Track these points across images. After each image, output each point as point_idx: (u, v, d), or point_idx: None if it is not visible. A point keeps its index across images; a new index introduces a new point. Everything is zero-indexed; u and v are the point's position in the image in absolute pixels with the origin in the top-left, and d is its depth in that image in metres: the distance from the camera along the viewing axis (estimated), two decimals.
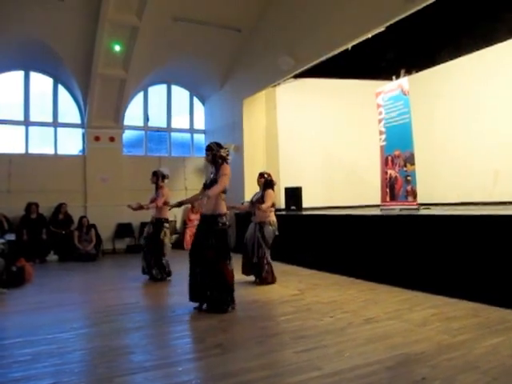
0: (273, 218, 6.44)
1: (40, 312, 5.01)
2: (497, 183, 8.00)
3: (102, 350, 3.60)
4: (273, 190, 6.49)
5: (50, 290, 6.45)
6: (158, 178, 7.03)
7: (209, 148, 5.00)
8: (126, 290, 6.42)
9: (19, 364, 3.24)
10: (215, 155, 4.92)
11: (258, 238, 6.29)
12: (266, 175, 6.56)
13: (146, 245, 7.05)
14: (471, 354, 3.24)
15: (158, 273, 6.83)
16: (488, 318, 4.18)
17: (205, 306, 4.87)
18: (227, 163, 4.95)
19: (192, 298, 4.88)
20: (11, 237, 7.32)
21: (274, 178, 6.63)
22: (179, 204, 5.57)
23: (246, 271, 6.45)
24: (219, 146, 5.00)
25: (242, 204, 6.76)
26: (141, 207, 6.98)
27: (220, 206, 4.86)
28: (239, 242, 8.03)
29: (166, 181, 7.12)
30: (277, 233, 6.41)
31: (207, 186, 4.91)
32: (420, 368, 3.00)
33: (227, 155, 4.97)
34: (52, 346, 3.66)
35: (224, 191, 4.87)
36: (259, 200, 6.37)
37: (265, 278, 6.30)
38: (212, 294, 4.74)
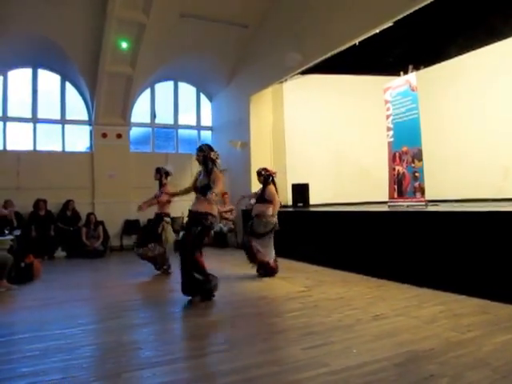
0: (271, 213, 6.61)
1: (48, 308, 5.05)
2: (506, 179, 7.93)
3: (110, 346, 3.63)
4: (274, 183, 6.67)
5: (58, 286, 6.48)
6: (161, 175, 7.06)
7: (200, 149, 5.17)
8: (133, 286, 6.44)
9: (28, 359, 3.27)
10: (206, 157, 5.09)
11: (253, 228, 6.59)
12: (263, 172, 6.64)
13: (144, 231, 7.39)
14: (480, 351, 3.22)
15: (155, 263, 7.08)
16: (497, 315, 4.15)
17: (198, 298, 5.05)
18: (217, 167, 5.11)
19: (185, 291, 5.07)
20: (17, 232, 7.40)
21: (271, 170, 6.77)
22: (173, 194, 6.22)
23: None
24: (210, 148, 5.18)
25: (250, 200, 6.89)
26: (148, 205, 7.07)
27: (213, 208, 5.06)
28: None
29: (169, 178, 7.16)
30: (277, 227, 6.63)
31: (199, 189, 5.07)
32: (428, 365, 2.99)
33: (217, 158, 5.12)
34: (60, 342, 3.68)
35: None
36: (263, 198, 6.54)
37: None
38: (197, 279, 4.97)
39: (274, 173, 6.73)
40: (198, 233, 4.96)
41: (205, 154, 5.10)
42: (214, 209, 5.08)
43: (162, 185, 7.04)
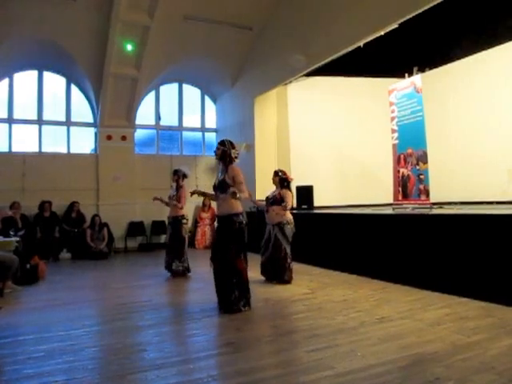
0: (289, 216, 6.45)
1: (53, 309, 5.07)
2: (511, 182, 7.89)
3: (115, 348, 3.63)
4: (289, 188, 6.50)
5: (63, 287, 6.50)
6: (179, 177, 7.10)
7: (222, 143, 4.96)
8: (138, 288, 6.45)
9: (33, 360, 3.28)
10: (225, 152, 4.88)
11: (278, 239, 6.28)
12: (280, 173, 6.55)
13: (169, 243, 7.22)
14: (486, 354, 3.20)
15: (177, 265, 6.96)
16: (502, 319, 4.13)
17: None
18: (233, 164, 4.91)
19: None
20: (21, 232, 7.47)
21: (289, 176, 6.62)
22: (203, 193, 5.33)
23: (264, 272, 6.46)
24: (232, 145, 4.95)
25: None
26: (162, 201, 7.15)
27: (235, 206, 4.80)
28: (251, 242, 8.02)
29: (185, 180, 7.20)
30: (294, 230, 6.41)
31: (218, 187, 4.87)
32: (433, 368, 2.97)
33: (236, 157, 4.92)
34: (65, 343, 3.69)
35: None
36: (276, 200, 6.36)
37: (288, 278, 6.27)
38: (228, 293, 4.69)
39: (291, 179, 6.65)
40: (234, 242, 4.73)
41: (224, 149, 4.88)
42: (237, 206, 4.79)
43: (179, 186, 7.07)
